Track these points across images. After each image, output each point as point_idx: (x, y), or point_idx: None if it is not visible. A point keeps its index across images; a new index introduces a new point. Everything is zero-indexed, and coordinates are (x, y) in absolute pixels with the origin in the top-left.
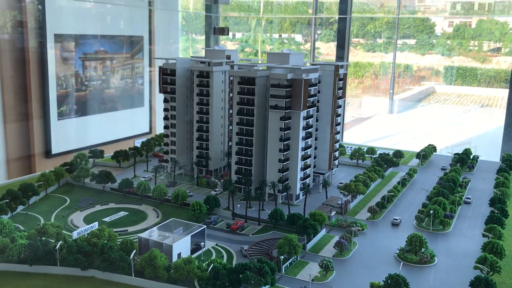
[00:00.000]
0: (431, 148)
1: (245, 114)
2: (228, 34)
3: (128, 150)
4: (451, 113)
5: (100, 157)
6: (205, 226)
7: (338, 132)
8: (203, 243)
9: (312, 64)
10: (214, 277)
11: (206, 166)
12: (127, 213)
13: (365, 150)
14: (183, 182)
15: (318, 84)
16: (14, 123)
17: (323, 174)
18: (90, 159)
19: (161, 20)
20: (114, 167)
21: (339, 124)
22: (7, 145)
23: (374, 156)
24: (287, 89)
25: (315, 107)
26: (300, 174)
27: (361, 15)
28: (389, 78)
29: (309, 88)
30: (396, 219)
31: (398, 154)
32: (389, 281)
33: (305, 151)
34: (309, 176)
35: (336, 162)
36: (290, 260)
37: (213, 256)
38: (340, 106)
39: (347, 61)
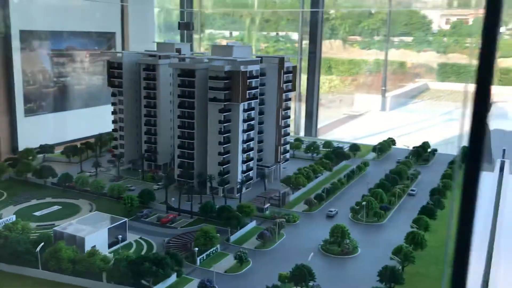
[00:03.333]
0: (390, 142)
1: (186, 107)
2: (192, 29)
3: (78, 145)
4: (443, 110)
5: (50, 152)
6: (126, 219)
7: (288, 125)
8: (120, 236)
9: (258, 57)
10: (116, 269)
11: (155, 160)
12: (60, 207)
13: (321, 143)
14: (129, 177)
15: (261, 77)
16: None
17: (268, 167)
18: (40, 155)
19: (135, 16)
20: (64, 162)
21: (289, 117)
22: None
23: (328, 150)
24: (225, 81)
25: (257, 100)
26: (241, 167)
27: (335, 9)
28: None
29: (249, 80)
30: (331, 211)
31: (354, 147)
32: (295, 272)
33: (247, 143)
34: (252, 169)
35: (288, 155)
36: (208, 252)
37: (133, 249)
38: (289, 99)
39: (320, 56)
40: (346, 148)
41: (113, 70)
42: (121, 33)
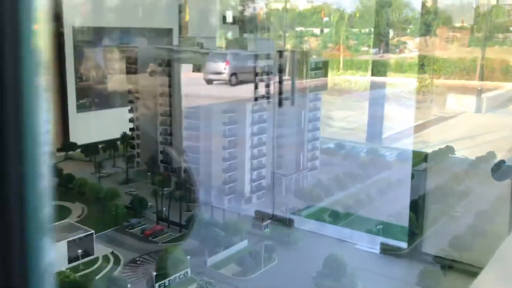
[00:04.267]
0: (447, 150)
1: (190, 106)
2: (238, 24)
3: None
4: None
5: (72, 150)
6: (92, 231)
7: (318, 128)
8: (80, 251)
9: (278, 51)
10: None
11: (170, 163)
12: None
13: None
14: (140, 180)
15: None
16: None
17: (284, 176)
18: (61, 153)
19: (197, 11)
20: (85, 161)
21: (317, 119)
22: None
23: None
24: (233, 77)
25: (270, 100)
26: (249, 175)
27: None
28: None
29: (259, 77)
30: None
31: (406, 155)
32: None
33: (258, 148)
34: (264, 177)
35: (317, 162)
36: (172, 277)
37: (96, 266)
38: (317, 99)
39: None
40: (392, 156)
41: (130, 66)
42: (178, 29)
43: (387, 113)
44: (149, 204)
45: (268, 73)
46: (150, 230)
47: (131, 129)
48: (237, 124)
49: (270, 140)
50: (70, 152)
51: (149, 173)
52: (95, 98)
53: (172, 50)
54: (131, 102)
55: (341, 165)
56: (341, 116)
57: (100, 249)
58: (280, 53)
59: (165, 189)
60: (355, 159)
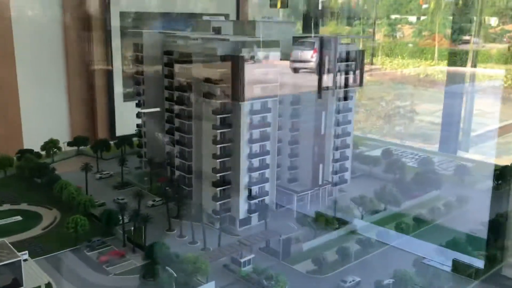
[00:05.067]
0: None
1: (183, 103)
2: (286, 7)
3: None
4: None
5: (84, 145)
6: (20, 258)
7: (349, 134)
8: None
9: (296, 37)
10: None
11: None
12: (20, 218)
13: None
14: (138, 184)
15: None
16: (80, 105)
17: (297, 193)
18: (73, 147)
19: None
20: (94, 157)
21: (348, 122)
22: (72, 126)
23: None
24: (222, 70)
25: (275, 98)
26: (245, 192)
27: None
28: None
29: (260, 70)
30: (346, 281)
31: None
32: None
33: (260, 158)
34: (267, 194)
35: (347, 175)
36: None
37: None
38: (348, 98)
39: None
40: (450, 169)
41: (137, 54)
42: (236, 15)
43: (483, 108)
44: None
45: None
46: (106, 256)
47: (138, 126)
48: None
49: None
50: (82, 147)
51: (146, 178)
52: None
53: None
54: (138, 94)
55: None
56: (429, 109)
57: (36, 277)
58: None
59: (154, 200)
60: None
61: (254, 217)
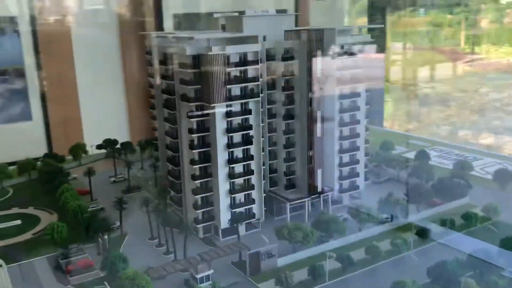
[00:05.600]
0: None
1: (169, 107)
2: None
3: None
4: None
5: (112, 147)
6: None
7: (357, 135)
8: None
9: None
10: None
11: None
12: (19, 222)
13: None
14: (146, 190)
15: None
16: (137, 109)
17: (289, 201)
18: (101, 150)
19: None
20: (121, 160)
21: (357, 122)
22: (130, 131)
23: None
24: (195, 70)
25: (258, 98)
26: (228, 200)
27: None
28: None
29: (238, 69)
30: None
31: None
32: None
33: (237, 164)
34: (253, 202)
35: (359, 181)
36: None
37: None
38: (355, 95)
39: None
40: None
41: (148, 56)
42: (294, 10)
43: None
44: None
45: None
46: (72, 266)
47: (153, 129)
48: None
49: None
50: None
51: (150, 183)
52: None
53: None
54: (152, 97)
55: None
56: None
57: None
58: None
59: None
60: None
61: (242, 226)
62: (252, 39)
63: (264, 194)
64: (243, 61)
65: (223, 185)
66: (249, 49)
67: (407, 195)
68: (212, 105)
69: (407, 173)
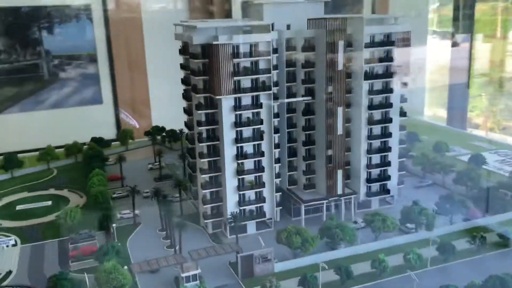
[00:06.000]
0: None
1: (186, 98)
2: None
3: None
4: None
5: (159, 134)
6: None
7: (389, 135)
8: None
9: (312, 19)
10: None
11: None
12: (49, 203)
13: None
14: (175, 179)
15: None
16: None
17: (302, 201)
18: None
19: None
20: (166, 147)
21: (389, 121)
22: None
23: None
24: (203, 61)
25: (268, 92)
26: (235, 196)
27: None
28: None
29: (247, 59)
30: None
31: None
32: None
33: (246, 160)
34: (264, 200)
35: (393, 185)
36: None
37: None
38: (384, 91)
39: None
40: None
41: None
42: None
43: None
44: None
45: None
46: (76, 251)
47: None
48: None
49: None
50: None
51: (177, 172)
52: None
53: None
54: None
55: None
56: None
57: (5, 263)
58: None
59: (172, 196)
60: None
61: (252, 224)
62: (264, 28)
63: (280, 193)
64: (253, 52)
65: (231, 181)
66: (260, 38)
67: (440, 203)
68: (218, 97)
69: (452, 179)
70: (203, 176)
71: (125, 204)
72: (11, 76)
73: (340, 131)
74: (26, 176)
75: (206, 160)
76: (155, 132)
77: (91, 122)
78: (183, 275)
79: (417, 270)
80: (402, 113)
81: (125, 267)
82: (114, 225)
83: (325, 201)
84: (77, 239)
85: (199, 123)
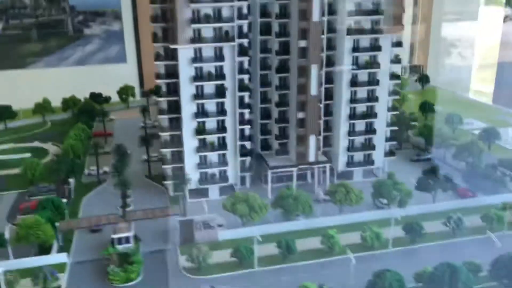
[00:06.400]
0: None
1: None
2: None
3: None
4: None
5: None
6: None
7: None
8: None
9: None
10: None
11: None
12: (29, 155)
13: None
14: None
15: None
16: None
17: (269, 168)
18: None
19: None
20: None
21: (376, 83)
22: None
23: None
24: (162, 5)
25: (232, 43)
26: (194, 158)
27: None
28: None
29: (199, 5)
30: None
31: None
32: None
33: (204, 119)
34: (227, 164)
35: (378, 156)
36: None
37: None
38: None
39: None
40: None
41: None
42: None
43: None
44: None
45: None
46: (24, 204)
47: None
48: None
49: None
50: None
51: None
52: None
53: None
54: None
55: None
56: None
57: None
58: None
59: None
60: None
61: (214, 189)
62: None
63: (250, 157)
64: None
65: (190, 141)
66: None
67: (422, 179)
68: (174, 46)
69: (452, 154)
70: (163, 134)
71: (103, 161)
72: (36, 31)
73: (313, 91)
74: (19, 128)
75: (166, 117)
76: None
77: (115, 80)
78: (114, 236)
79: (375, 250)
80: (395, 76)
81: (57, 224)
82: (70, 180)
83: (294, 169)
84: (35, 192)
85: (158, 76)
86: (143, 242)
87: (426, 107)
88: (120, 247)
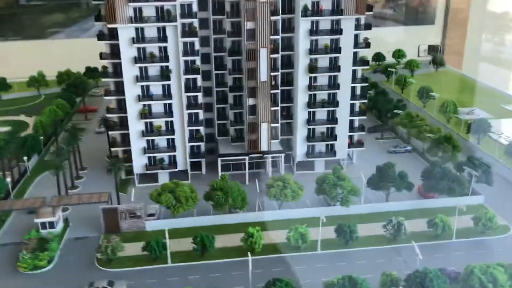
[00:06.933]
0: None
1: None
2: None
3: None
4: None
5: None
6: None
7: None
8: None
9: None
10: None
11: None
12: (10, 128)
13: None
14: None
15: None
16: None
17: (219, 156)
18: None
19: None
20: None
21: (337, 69)
22: None
23: None
24: None
25: (174, 23)
26: (141, 142)
27: None
28: None
29: None
30: None
31: None
32: None
33: (149, 102)
34: (175, 150)
35: (341, 147)
36: None
37: None
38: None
39: None
40: None
41: None
42: None
43: None
44: None
45: None
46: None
47: None
48: None
49: None
50: None
51: None
52: None
53: None
54: None
55: None
56: None
57: None
58: None
59: None
60: None
61: (164, 174)
62: None
63: (203, 143)
64: None
65: (135, 125)
66: None
67: (374, 176)
68: (111, 25)
69: (427, 148)
70: (110, 116)
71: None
72: (59, 1)
73: (263, 77)
74: (12, 100)
75: (112, 98)
76: None
77: None
78: (37, 220)
79: (300, 252)
80: (364, 61)
81: None
82: (25, 158)
83: (246, 157)
84: None
85: (102, 56)
86: (73, 228)
87: (424, 93)
88: (44, 232)
